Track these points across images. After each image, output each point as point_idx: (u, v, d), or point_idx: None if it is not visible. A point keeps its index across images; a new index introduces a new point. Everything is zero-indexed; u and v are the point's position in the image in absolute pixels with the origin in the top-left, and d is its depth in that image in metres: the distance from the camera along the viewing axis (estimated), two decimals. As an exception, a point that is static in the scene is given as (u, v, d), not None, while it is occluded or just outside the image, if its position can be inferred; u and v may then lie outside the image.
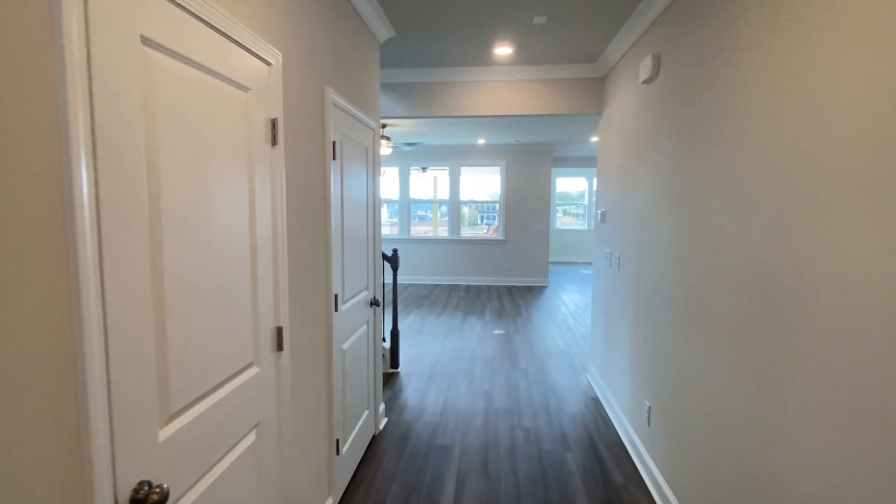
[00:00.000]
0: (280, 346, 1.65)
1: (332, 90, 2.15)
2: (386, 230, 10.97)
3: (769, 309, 1.48)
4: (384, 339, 4.22)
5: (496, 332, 5.51)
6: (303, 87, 1.87)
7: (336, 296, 2.23)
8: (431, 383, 3.91)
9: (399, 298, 7.36)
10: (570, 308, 6.83)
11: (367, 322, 2.82)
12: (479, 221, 13.99)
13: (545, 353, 4.76)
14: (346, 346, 2.44)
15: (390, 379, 4.02)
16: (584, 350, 4.85)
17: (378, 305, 2.89)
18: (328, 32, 2.14)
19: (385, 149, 6.40)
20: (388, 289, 6.87)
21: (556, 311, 6.61)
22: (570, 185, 12.90)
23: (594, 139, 7.64)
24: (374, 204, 2.88)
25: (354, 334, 2.58)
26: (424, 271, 8.86)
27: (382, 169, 8.92)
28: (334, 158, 2.19)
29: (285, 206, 1.69)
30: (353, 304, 2.54)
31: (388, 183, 9.16)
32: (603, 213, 3.70)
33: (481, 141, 7.95)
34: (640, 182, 2.81)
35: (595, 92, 3.81)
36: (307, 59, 1.91)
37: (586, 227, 12.33)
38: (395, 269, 4.12)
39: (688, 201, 2.12)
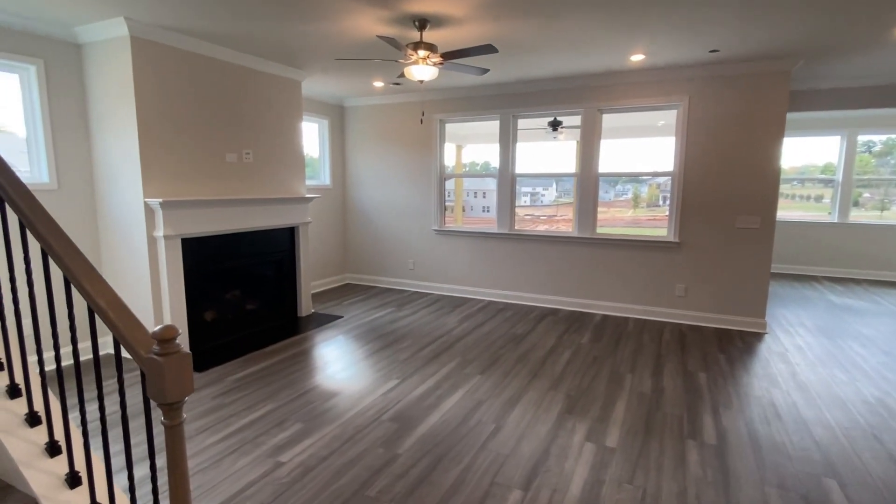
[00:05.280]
0: None
1: None
2: (473, 220, 7.86)
3: None
4: None
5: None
6: None
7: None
8: None
9: (466, 342, 4.23)
10: (877, 455, 2.89)
11: None
12: (661, 202, 9.80)
13: None
14: None
15: None
16: None
17: None
18: None
19: (422, 69, 3.33)
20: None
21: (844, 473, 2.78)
22: (806, 148, 7.88)
23: (916, 26, 3.32)
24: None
25: None
26: (533, 286, 5.56)
27: (450, 127, 5.80)
28: None
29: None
30: None
31: (474, 148, 5.95)
32: None
33: (638, 56, 4.25)
34: None
35: None
36: None
37: (836, 220, 7.36)
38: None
39: None
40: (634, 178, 6.15)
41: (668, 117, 5.26)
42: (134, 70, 3.44)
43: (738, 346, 4.25)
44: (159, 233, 3.63)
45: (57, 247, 1.22)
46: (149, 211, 3.61)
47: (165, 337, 1.08)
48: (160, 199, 3.52)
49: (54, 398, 1.56)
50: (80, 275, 1.18)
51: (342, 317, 5.03)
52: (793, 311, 5.37)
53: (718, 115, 4.57)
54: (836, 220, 7.35)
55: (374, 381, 3.41)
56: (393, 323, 4.83)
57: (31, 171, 3.53)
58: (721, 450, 2.57)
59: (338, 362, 3.78)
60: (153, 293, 3.69)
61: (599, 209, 5.30)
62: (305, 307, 5.10)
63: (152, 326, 3.71)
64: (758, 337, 4.49)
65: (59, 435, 1.52)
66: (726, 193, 4.63)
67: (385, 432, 2.71)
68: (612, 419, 2.89)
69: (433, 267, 6.13)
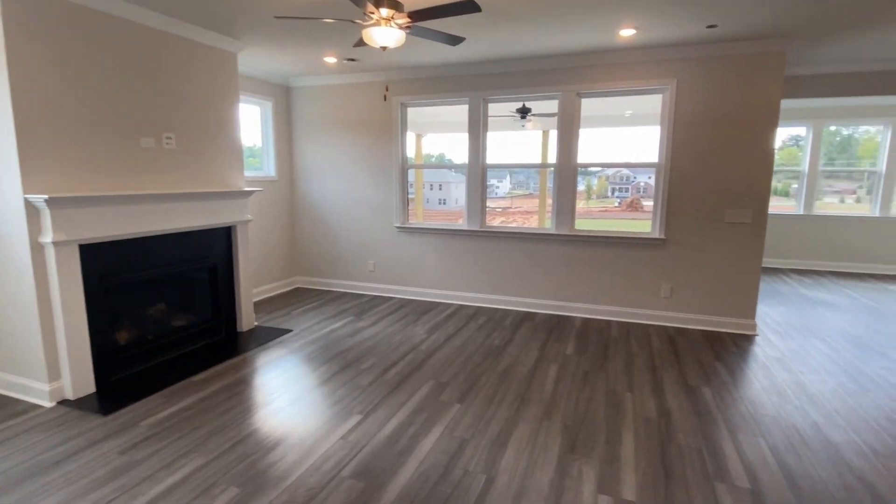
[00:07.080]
0: None
1: None
2: (432, 214, 7.34)
3: None
4: None
5: None
6: None
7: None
8: None
9: (438, 359, 3.65)
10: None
11: None
12: (609, 194, 9.59)
13: None
14: None
15: None
16: None
17: None
18: None
19: (386, 32, 2.71)
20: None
21: None
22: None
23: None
24: None
25: None
26: (507, 288, 5.07)
27: (409, 114, 5.20)
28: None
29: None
30: None
31: (448, 139, 5.39)
32: None
33: (629, 31, 3.78)
34: None
35: None
36: None
37: (801, 212, 7.33)
38: None
39: None
40: (614, 168, 5.77)
41: (637, 106, 4.91)
42: (3, 21, 2.60)
43: (733, 351, 3.92)
44: (47, 238, 2.83)
45: None
46: (31, 210, 2.80)
47: None
48: (45, 196, 2.72)
49: None
50: None
51: (291, 330, 4.33)
52: (773, 308, 5.15)
53: (707, 101, 4.20)
54: (801, 212, 7.30)
55: (331, 419, 2.78)
56: (352, 336, 4.19)
57: None
58: (757, 494, 2.14)
59: (284, 393, 3.11)
60: (41, 315, 2.88)
61: (547, 201, 4.84)
62: (247, 320, 4.36)
63: (41, 359, 2.90)
64: (749, 340, 4.18)
65: None
66: (715, 186, 4.28)
67: (347, 496, 2.10)
68: (624, 459, 2.41)
69: (396, 268, 5.51)
